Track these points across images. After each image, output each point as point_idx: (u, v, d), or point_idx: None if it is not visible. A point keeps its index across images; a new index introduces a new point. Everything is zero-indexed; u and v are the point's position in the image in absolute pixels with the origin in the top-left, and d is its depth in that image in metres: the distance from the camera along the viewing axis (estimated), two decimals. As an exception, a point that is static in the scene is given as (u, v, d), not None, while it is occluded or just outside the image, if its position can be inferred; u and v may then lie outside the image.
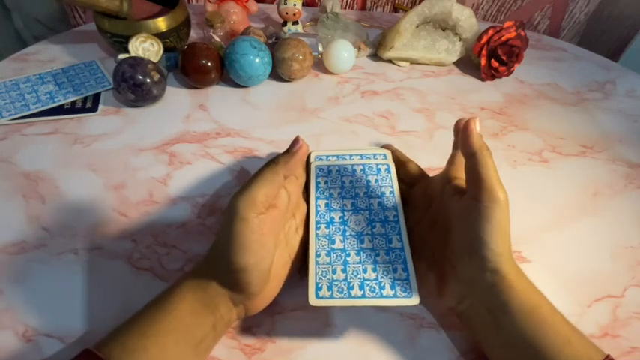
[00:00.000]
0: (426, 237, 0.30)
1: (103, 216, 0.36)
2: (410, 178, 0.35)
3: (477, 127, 0.27)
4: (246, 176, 0.41)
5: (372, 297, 0.27)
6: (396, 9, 0.75)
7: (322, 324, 0.30)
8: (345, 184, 0.33)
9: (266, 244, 0.25)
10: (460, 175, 0.29)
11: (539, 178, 0.44)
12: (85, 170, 0.40)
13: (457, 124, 0.30)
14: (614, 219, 0.40)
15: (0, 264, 0.32)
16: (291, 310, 0.31)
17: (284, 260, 0.29)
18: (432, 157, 0.43)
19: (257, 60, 0.48)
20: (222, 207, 0.37)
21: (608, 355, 0.23)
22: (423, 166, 0.44)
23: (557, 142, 0.49)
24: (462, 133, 0.27)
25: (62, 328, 0.28)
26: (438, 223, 0.30)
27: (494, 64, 0.55)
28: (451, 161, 0.31)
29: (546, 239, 0.38)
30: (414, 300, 0.26)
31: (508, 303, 0.25)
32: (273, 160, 0.27)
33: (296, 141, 0.28)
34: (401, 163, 0.36)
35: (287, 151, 0.28)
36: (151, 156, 0.42)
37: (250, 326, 0.30)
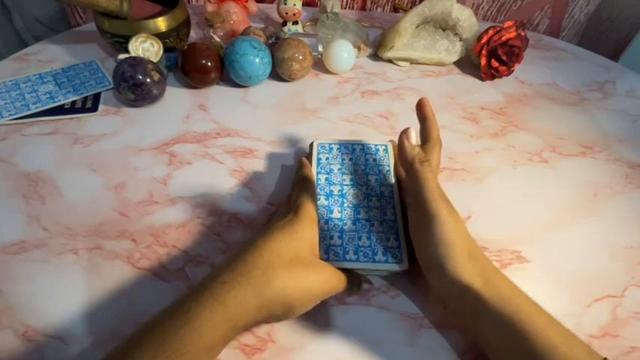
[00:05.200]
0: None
1: (103, 216, 0.36)
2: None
3: (410, 139, 0.28)
4: (246, 176, 0.41)
5: (365, 261, 0.29)
6: (396, 9, 0.75)
7: (322, 324, 0.30)
8: (344, 160, 0.36)
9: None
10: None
11: (539, 178, 0.44)
12: (85, 170, 0.40)
13: (418, 105, 0.33)
14: (614, 219, 0.40)
15: (0, 264, 0.32)
16: (291, 310, 0.31)
17: None
18: (432, 157, 0.43)
19: (257, 60, 0.48)
20: (222, 207, 0.37)
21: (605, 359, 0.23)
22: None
23: (557, 142, 0.49)
24: (398, 146, 0.28)
25: (62, 328, 0.28)
26: None
27: (495, 64, 0.55)
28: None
29: (546, 239, 0.38)
30: (403, 266, 0.28)
31: (482, 312, 0.25)
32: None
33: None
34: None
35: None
36: (151, 156, 0.42)
37: (250, 326, 0.30)
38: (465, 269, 0.25)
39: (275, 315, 0.24)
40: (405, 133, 0.29)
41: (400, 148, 0.28)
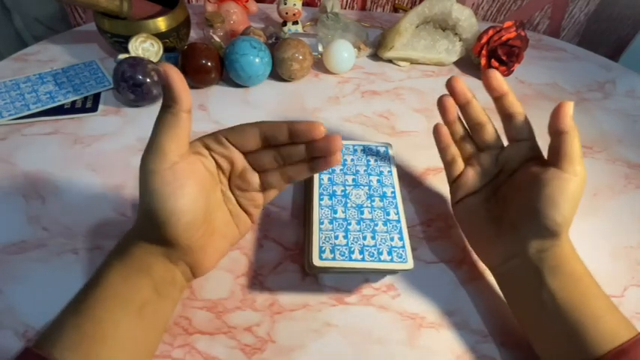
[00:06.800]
0: (489, 200, 0.32)
1: (103, 216, 0.36)
2: (483, 141, 0.34)
3: (571, 110, 0.29)
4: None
5: (371, 261, 0.29)
6: (396, 9, 0.75)
7: (322, 324, 0.30)
8: (346, 161, 0.36)
9: (187, 195, 0.23)
10: (540, 154, 0.31)
11: (539, 178, 0.44)
12: (85, 170, 0.40)
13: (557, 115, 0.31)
14: (614, 219, 0.40)
15: (0, 264, 0.32)
16: (291, 310, 0.31)
17: (225, 218, 0.28)
18: (432, 157, 0.43)
19: (257, 60, 0.48)
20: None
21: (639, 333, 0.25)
22: (423, 166, 0.44)
23: (557, 142, 0.49)
24: (557, 112, 0.29)
25: (62, 328, 0.28)
26: (502, 190, 0.31)
27: (495, 64, 0.55)
28: (530, 145, 0.32)
29: (546, 239, 0.38)
30: (408, 265, 0.29)
31: (560, 267, 0.27)
32: (165, 104, 0.23)
33: (164, 70, 0.22)
34: (480, 125, 0.35)
35: (164, 87, 0.23)
36: (151, 156, 0.42)
37: (250, 326, 0.30)
38: (568, 228, 0.28)
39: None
40: (569, 103, 0.29)
41: (561, 114, 0.28)
